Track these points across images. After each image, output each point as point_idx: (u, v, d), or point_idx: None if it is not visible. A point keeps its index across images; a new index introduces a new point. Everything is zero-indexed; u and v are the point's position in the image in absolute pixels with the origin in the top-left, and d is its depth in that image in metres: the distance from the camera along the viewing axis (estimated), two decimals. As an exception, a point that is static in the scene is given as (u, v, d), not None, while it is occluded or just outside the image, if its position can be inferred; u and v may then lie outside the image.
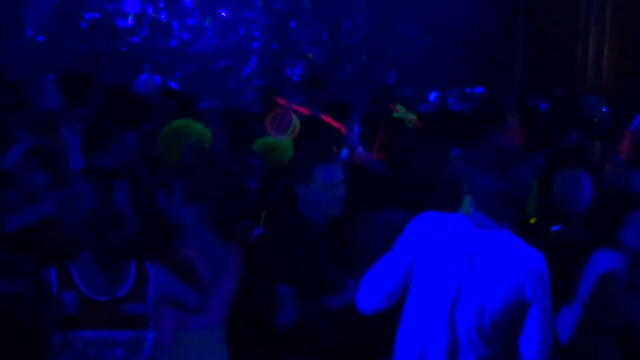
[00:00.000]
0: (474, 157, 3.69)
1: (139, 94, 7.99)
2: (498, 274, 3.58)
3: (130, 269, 3.81)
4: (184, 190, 4.24)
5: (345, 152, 6.89)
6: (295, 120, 6.47)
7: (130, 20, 13.49)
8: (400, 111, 7.32)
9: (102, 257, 3.76)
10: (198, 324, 4.15)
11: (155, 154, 5.83)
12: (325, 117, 6.89)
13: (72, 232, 4.20)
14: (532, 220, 5.77)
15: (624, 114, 9.31)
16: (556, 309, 4.54)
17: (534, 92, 11.29)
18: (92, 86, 6.87)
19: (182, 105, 6.80)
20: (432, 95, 9.78)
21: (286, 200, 4.87)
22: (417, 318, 3.72)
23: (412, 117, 7.03)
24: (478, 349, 3.63)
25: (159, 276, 3.88)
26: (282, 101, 7.62)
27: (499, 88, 11.84)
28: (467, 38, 13.49)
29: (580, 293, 4.91)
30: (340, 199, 4.62)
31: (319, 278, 4.46)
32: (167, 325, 4.03)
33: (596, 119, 9.13)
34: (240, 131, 6.27)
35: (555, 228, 5.57)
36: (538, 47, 13.38)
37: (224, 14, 14.62)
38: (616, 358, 4.82)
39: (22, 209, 4.35)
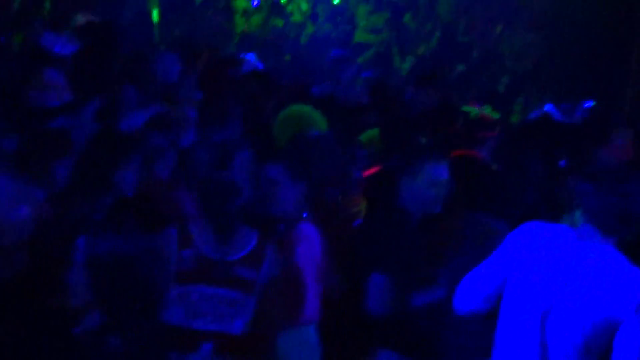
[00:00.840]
0: (586, 171, 3.64)
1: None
2: (595, 290, 3.49)
3: (252, 238, 4.02)
4: (289, 173, 4.40)
5: None
6: None
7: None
8: (474, 107, 7.25)
9: (216, 221, 3.96)
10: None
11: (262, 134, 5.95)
12: None
13: (190, 195, 4.38)
14: None
15: None
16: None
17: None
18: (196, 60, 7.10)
19: (295, 90, 6.90)
20: (548, 107, 9.65)
21: (388, 191, 4.94)
22: (511, 326, 3.69)
23: (482, 112, 6.95)
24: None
25: (275, 257, 4.06)
26: None
27: (611, 104, 11.61)
28: (581, 51, 13.25)
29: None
30: (442, 198, 4.69)
31: (411, 271, 4.52)
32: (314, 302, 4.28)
33: None
34: (348, 121, 6.33)
35: None
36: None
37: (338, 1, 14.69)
38: None
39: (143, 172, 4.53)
